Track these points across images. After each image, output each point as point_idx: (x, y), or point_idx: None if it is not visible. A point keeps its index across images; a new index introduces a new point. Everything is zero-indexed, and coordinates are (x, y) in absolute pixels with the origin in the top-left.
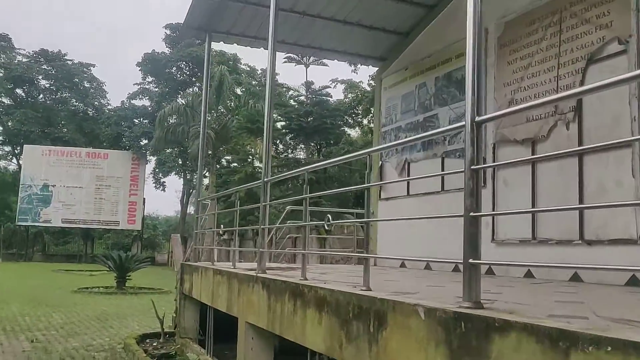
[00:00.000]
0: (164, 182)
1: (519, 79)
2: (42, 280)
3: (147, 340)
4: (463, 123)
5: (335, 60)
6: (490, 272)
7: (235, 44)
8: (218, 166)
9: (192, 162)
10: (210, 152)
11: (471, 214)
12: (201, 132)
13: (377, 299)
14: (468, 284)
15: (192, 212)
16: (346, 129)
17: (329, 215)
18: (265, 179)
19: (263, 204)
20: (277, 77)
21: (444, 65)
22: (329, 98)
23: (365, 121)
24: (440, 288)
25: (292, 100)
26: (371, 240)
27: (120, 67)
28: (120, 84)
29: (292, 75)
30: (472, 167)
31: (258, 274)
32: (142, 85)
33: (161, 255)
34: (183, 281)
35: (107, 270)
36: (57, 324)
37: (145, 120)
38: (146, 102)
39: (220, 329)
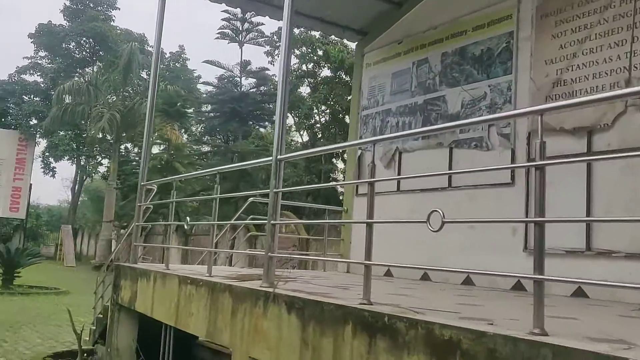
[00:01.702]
0: (54, 167)
1: (569, 55)
2: None
3: None
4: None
5: (304, 28)
6: (519, 287)
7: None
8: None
9: (89, 146)
10: (112, 136)
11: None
12: (148, 104)
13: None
14: (537, 307)
15: (86, 200)
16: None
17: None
18: (278, 157)
19: (275, 190)
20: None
21: (456, 39)
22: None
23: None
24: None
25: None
26: (342, 242)
27: (5, 38)
28: (4, 56)
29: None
30: None
31: (275, 290)
32: (33, 60)
33: (47, 248)
34: (118, 288)
35: None
36: None
37: (37, 98)
38: (38, 79)
39: (155, 347)
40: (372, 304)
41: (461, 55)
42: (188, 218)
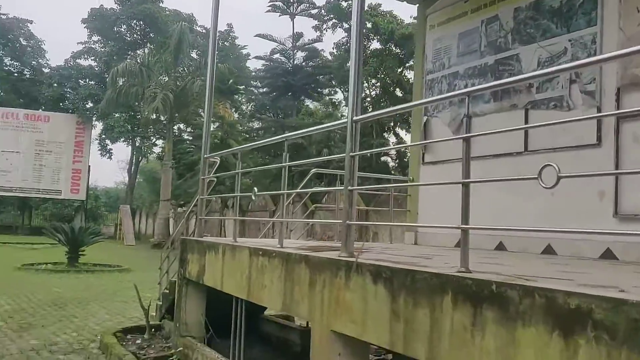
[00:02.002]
0: (111, 149)
1: None
2: None
3: (129, 337)
4: None
5: None
6: (608, 255)
7: None
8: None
9: (144, 127)
10: (166, 117)
11: None
12: (208, 75)
13: None
14: None
15: (142, 181)
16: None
17: (255, 188)
18: (354, 118)
19: (351, 154)
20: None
21: None
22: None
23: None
24: (591, 276)
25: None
26: (409, 213)
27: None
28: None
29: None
30: None
31: (358, 259)
32: (87, 45)
33: (107, 228)
34: (185, 262)
35: (51, 244)
36: (3, 312)
37: (92, 82)
38: (92, 63)
39: (221, 321)
40: (471, 272)
41: (536, 10)
42: (255, 189)
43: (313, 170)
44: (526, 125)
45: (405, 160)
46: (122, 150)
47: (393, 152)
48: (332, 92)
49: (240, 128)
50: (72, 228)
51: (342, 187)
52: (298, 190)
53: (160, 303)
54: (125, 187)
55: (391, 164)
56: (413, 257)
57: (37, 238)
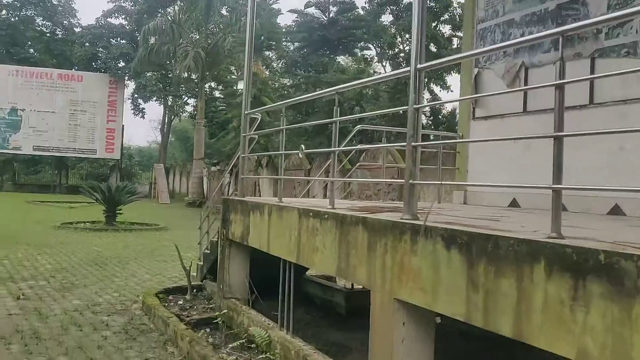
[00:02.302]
0: (144, 108)
1: None
2: (16, 213)
3: (170, 297)
4: None
5: None
6: None
7: None
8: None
9: (176, 86)
10: (197, 75)
11: None
12: (248, 24)
13: None
14: None
15: (173, 140)
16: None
17: (302, 145)
18: (418, 66)
19: (415, 106)
20: None
21: None
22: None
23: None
24: None
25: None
26: (457, 172)
27: None
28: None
29: None
30: None
31: (426, 222)
32: (117, 3)
33: (142, 187)
34: (228, 223)
35: (88, 203)
36: (44, 270)
37: (123, 41)
38: (123, 21)
39: (263, 282)
40: (564, 238)
41: None
42: (303, 146)
43: (358, 127)
44: (603, 74)
45: (440, 117)
46: (154, 109)
47: (427, 109)
48: (365, 47)
49: (273, 85)
50: (109, 187)
51: (402, 144)
52: (351, 147)
53: (201, 263)
54: (158, 147)
55: (424, 121)
56: (477, 218)
57: (74, 197)
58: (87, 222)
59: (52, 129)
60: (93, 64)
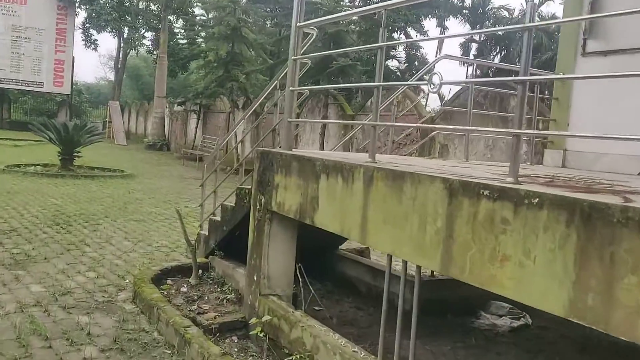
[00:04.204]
0: (96, 40)
1: None
2: None
3: (170, 282)
4: None
5: None
6: None
7: None
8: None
9: (134, 16)
10: (158, 5)
11: None
12: None
13: None
14: None
15: (125, 78)
16: None
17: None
18: None
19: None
20: None
21: None
22: None
23: None
24: None
25: None
26: (554, 123)
27: None
28: None
29: None
30: None
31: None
32: None
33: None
34: (270, 187)
35: (35, 141)
36: None
37: None
38: None
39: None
40: None
41: None
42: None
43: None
44: None
45: (417, 64)
46: (104, 43)
47: (402, 54)
48: None
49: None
50: (65, 125)
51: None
52: (409, 83)
53: (206, 233)
54: (107, 84)
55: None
56: (593, 184)
57: (18, 134)
58: (39, 164)
59: None
60: None
